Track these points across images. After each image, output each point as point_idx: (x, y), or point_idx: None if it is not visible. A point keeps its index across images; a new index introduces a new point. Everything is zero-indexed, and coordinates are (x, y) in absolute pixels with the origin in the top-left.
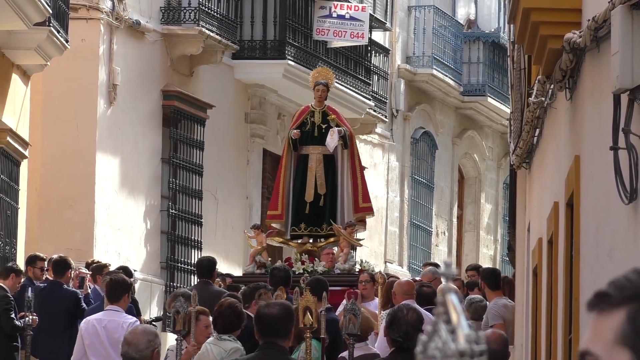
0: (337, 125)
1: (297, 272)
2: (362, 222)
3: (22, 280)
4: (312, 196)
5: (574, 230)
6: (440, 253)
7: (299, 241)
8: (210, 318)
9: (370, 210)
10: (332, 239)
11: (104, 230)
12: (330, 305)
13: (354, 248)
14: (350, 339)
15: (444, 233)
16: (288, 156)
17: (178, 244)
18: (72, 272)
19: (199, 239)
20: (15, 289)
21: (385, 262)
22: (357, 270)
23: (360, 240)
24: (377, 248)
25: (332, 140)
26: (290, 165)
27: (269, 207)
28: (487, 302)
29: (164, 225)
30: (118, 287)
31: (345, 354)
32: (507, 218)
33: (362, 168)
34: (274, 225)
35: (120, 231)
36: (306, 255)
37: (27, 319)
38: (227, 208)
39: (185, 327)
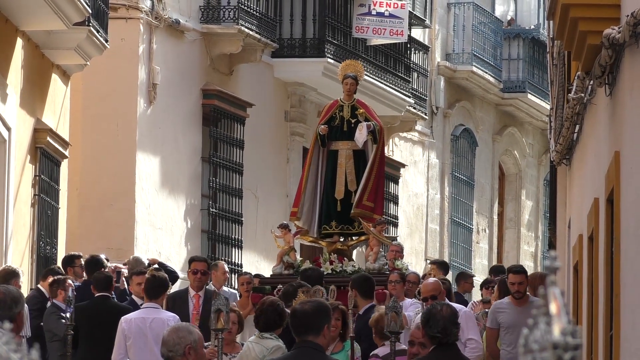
0: (367, 120)
1: (325, 272)
2: (369, 220)
3: None
4: (343, 193)
5: (614, 226)
6: (481, 250)
7: (329, 239)
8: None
9: (369, 210)
10: (362, 237)
11: (144, 229)
12: (373, 303)
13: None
14: (392, 336)
15: (485, 230)
16: (315, 152)
17: (219, 242)
18: (106, 270)
19: (240, 238)
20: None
21: (426, 259)
22: (387, 270)
23: (393, 238)
24: (417, 246)
25: (361, 135)
26: (319, 162)
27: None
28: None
29: (204, 224)
30: (160, 285)
31: (378, 350)
32: (548, 215)
33: (383, 164)
34: (296, 223)
35: (161, 230)
36: (335, 255)
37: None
38: (268, 206)
39: (226, 326)
